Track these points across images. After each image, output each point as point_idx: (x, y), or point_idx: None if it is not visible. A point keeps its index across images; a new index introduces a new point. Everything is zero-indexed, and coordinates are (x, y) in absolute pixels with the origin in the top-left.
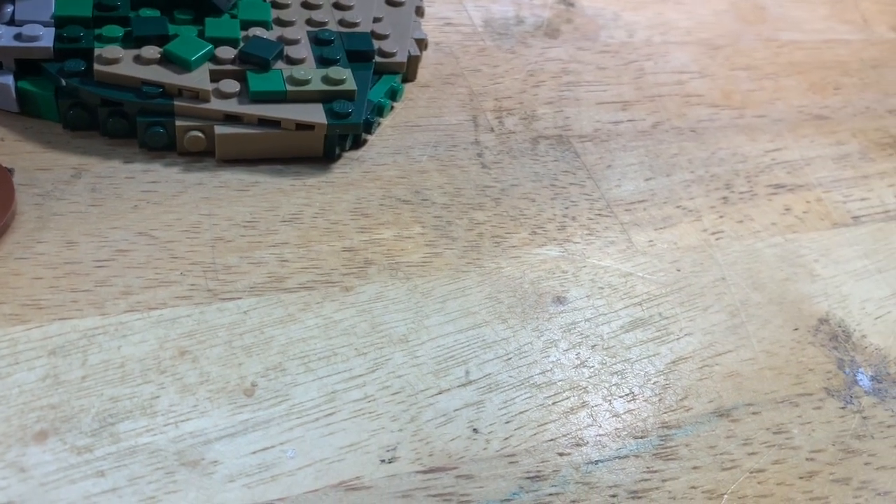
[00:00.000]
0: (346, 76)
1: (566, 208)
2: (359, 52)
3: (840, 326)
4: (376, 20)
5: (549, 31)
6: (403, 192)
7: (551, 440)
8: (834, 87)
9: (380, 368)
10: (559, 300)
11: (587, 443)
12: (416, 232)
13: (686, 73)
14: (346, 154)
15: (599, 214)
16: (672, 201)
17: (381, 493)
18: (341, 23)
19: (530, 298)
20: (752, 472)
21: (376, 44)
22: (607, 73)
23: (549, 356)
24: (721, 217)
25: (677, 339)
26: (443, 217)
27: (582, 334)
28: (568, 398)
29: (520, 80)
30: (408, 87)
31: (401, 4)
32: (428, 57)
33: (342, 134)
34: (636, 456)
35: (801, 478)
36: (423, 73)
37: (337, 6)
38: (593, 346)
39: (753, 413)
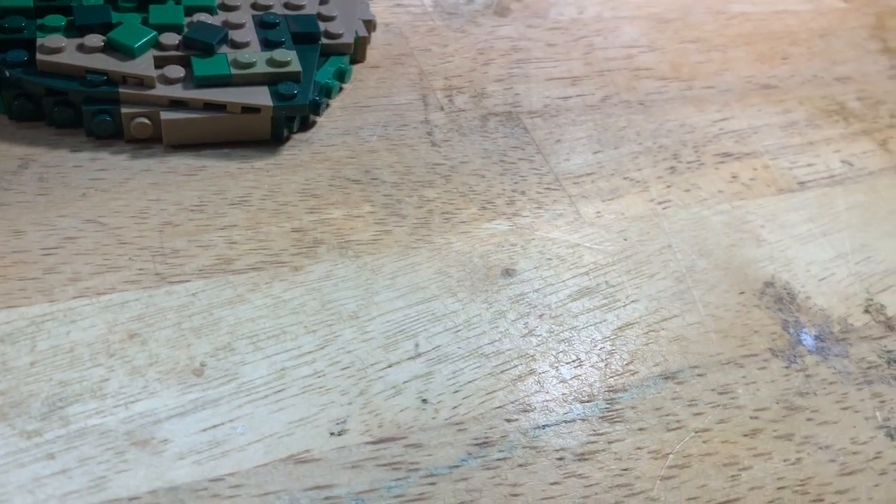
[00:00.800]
0: (290, 58)
1: (515, 183)
2: (304, 34)
3: (785, 289)
4: (323, 2)
5: (499, 10)
6: (353, 171)
7: (499, 407)
8: (782, 56)
9: (329, 345)
10: (508, 273)
11: (534, 408)
12: (365, 211)
13: (635, 47)
14: (295, 136)
15: (548, 188)
16: (620, 173)
17: (330, 464)
18: (287, 6)
19: (479, 272)
20: (697, 432)
21: (322, 25)
22: (557, 49)
23: (497, 327)
24: (668, 187)
25: (623, 305)
26: (392, 195)
27: (530, 304)
28: (516, 366)
29: (469, 58)
30: (357, 68)
31: None
32: (377, 38)
33: (289, 116)
34: (583, 419)
35: (745, 435)
36: (372, 53)
37: None
38: (541, 316)
39: (699, 375)
